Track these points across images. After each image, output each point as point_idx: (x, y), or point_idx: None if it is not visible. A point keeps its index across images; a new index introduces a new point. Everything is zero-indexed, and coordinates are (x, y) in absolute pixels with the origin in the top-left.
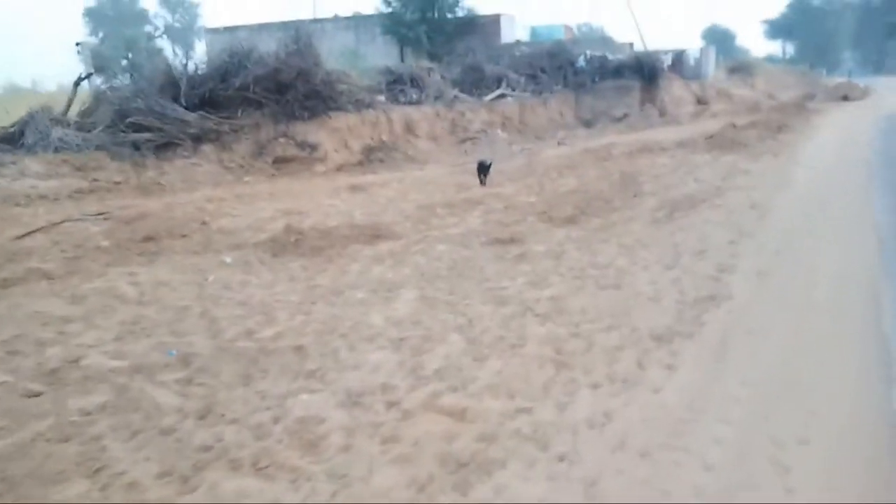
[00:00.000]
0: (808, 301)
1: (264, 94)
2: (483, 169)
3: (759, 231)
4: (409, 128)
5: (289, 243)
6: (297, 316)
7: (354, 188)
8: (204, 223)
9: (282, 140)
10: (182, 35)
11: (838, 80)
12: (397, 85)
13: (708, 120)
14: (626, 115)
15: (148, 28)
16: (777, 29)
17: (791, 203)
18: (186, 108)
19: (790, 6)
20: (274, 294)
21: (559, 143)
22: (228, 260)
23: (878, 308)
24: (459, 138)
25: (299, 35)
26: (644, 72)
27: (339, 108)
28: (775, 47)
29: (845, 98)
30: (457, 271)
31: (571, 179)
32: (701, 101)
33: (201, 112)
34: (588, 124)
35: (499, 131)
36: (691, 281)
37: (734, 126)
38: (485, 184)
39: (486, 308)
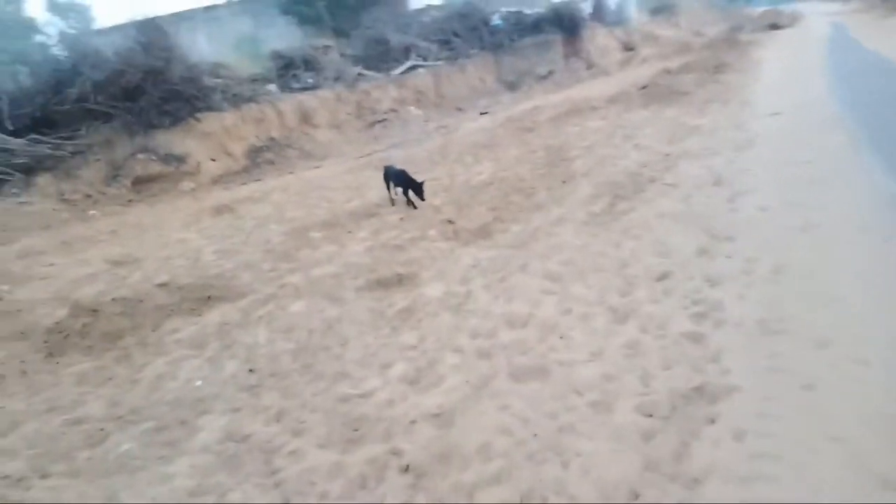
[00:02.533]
0: (867, 397)
1: (111, 104)
2: (409, 184)
3: (737, 228)
4: (306, 118)
5: (74, 332)
6: None
7: (220, 210)
8: None
9: (141, 156)
10: (79, 41)
11: (761, 9)
12: (289, 70)
13: (638, 67)
14: (551, 73)
15: (40, 38)
16: None
17: (764, 173)
18: (13, 133)
19: None
20: None
21: (481, 114)
22: None
23: None
24: (367, 122)
25: (146, 29)
26: (564, 23)
27: (210, 108)
28: None
29: (774, 26)
30: (306, 357)
31: (488, 165)
32: (628, 47)
33: (33, 136)
34: (512, 87)
35: (412, 108)
36: (656, 348)
37: (668, 71)
38: (415, 205)
39: (325, 457)
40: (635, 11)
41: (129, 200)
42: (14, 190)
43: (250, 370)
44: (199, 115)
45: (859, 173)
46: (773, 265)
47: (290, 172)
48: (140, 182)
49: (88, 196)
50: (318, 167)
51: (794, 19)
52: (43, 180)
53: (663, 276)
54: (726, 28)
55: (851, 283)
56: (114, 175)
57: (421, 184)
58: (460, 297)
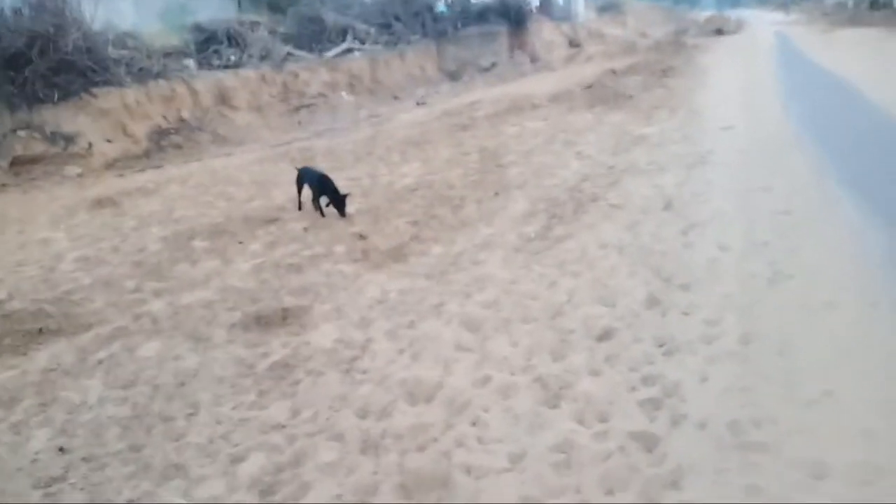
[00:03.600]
0: None
1: None
2: (329, 194)
3: (693, 273)
4: (224, 98)
5: None
6: None
7: (101, 203)
8: None
9: (22, 133)
10: None
11: (706, 14)
12: (210, 45)
13: (583, 64)
14: (494, 65)
15: None
16: None
17: (721, 200)
18: None
19: None
20: None
21: (418, 104)
22: None
23: None
24: (292, 106)
25: None
26: (511, 15)
27: (109, 83)
28: None
29: (720, 32)
30: (139, 432)
31: (416, 166)
32: (573, 44)
33: None
34: (453, 77)
35: (343, 94)
36: (596, 455)
37: (613, 72)
38: (323, 213)
39: None
40: (583, 8)
41: (2, 185)
42: None
43: (60, 449)
44: (95, 89)
45: (828, 207)
46: (740, 332)
47: (198, 160)
48: (20, 163)
49: None
50: (229, 155)
51: (738, 26)
52: None
53: (605, 335)
54: (672, 31)
55: (839, 367)
56: None
57: (344, 197)
58: (356, 347)
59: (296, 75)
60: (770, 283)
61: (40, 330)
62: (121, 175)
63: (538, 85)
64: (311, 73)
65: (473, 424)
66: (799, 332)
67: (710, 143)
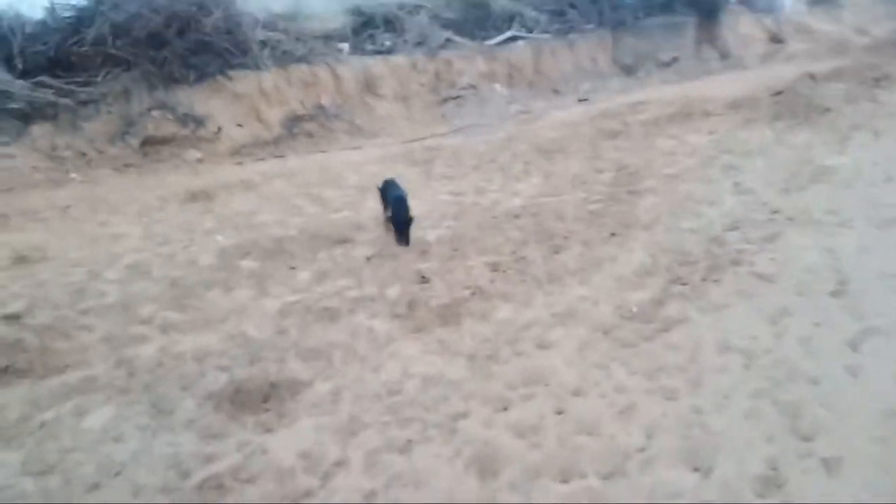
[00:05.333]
0: None
1: (132, 50)
2: (397, 216)
3: (850, 439)
4: (369, 86)
5: None
6: None
7: (195, 197)
8: None
9: (156, 113)
10: None
11: None
12: (368, 29)
13: (781, 64)
14: (675, 60)
15: None
16: None
17: None
18: (24, 74)
19: None
20: None
21: (579, 100)
22: None
23: None
24: (440, 97)
25: None
26: (701, 4)
27: (246, 66)
28: None
29: None
30: None
31: (535, 182)
32: (775, 39)
33: (41, 78)
34: (627, 71)
35: (497, 86)
36: None
37: (812, 77)
38: (406, 242)
39: None
40: None
41: (126, 164)
42: (4, 139)
43: None
44: (231, 72)
45: None
46: None
47: (323, 151)
48: (150, 143)
49: (83, 154)
50: (358, 147)
51: None
52: (40, 130)
53: None
54: None
55: None
56: (123, 132)
57: (408, 222)
58: (317, 474)
59: (449, 64)
60: None
61: (6, 368)
62: (239, 163)
63: (720, 86)
64: (467, 61)
65: None
66: None
67: None
